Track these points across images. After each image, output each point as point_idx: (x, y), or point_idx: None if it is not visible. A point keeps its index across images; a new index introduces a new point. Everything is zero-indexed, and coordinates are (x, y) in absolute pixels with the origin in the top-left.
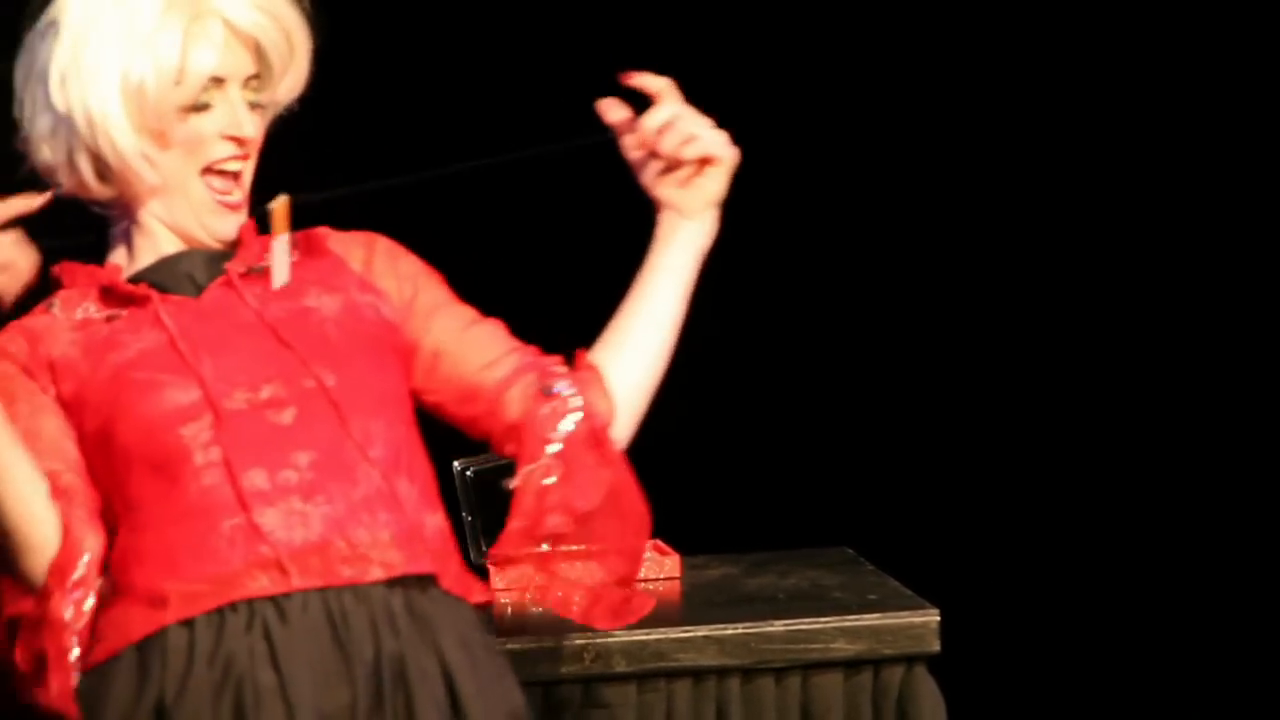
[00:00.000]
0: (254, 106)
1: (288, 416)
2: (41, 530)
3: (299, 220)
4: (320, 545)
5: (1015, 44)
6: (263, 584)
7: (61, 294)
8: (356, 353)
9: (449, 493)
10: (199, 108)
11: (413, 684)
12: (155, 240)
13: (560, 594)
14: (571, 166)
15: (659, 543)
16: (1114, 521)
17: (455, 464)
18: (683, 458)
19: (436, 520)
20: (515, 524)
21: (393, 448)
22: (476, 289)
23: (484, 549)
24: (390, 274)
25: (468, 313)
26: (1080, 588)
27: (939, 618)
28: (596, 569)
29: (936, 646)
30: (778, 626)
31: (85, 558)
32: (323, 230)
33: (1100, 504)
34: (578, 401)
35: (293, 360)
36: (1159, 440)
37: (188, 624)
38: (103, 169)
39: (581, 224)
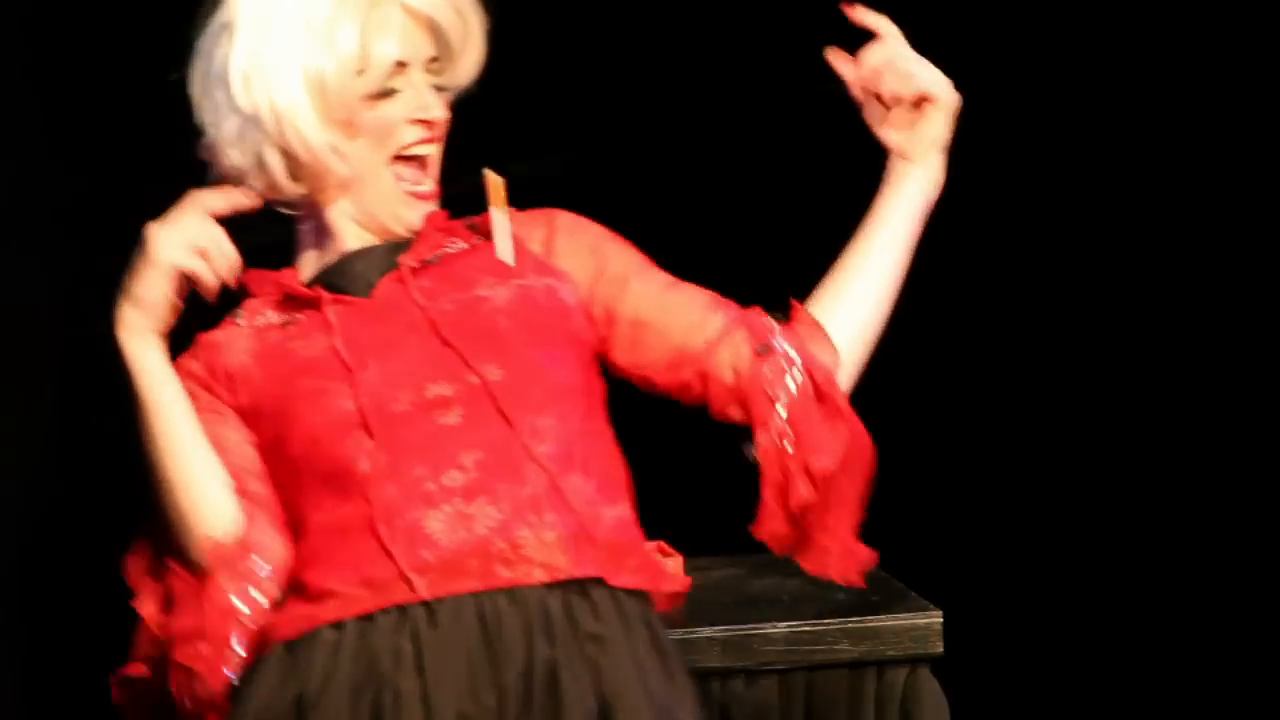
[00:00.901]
0: (436, 89)
1: (454, 417)
2: (216, 516)
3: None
4: (481, 547)
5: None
6: (419, 587)
7: (247, 303)
8: (527, 344)
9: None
10: (384, 94)
11: (564, 693)
12: (340, 239)
13: (818, 557)
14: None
15: (662, 544)
16: (1117, 522)
17: None
18: (686, 458)
19: (615, 513)
20: (767, 494)
21: (564, 443)
22: (701, 250)
23: None
24: (572, 252)
25: (663, 276)
26: (1084, 589)
27: (942, 619)
28: (841, 525)
29: (940, 648)
30: (781, 628)
31: (259, 557)
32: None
33: (1103, 505)
34: (798, 357)
35: (456, 358)
36: (1160, 439)
37: (338, 625)
38: (293, 166)
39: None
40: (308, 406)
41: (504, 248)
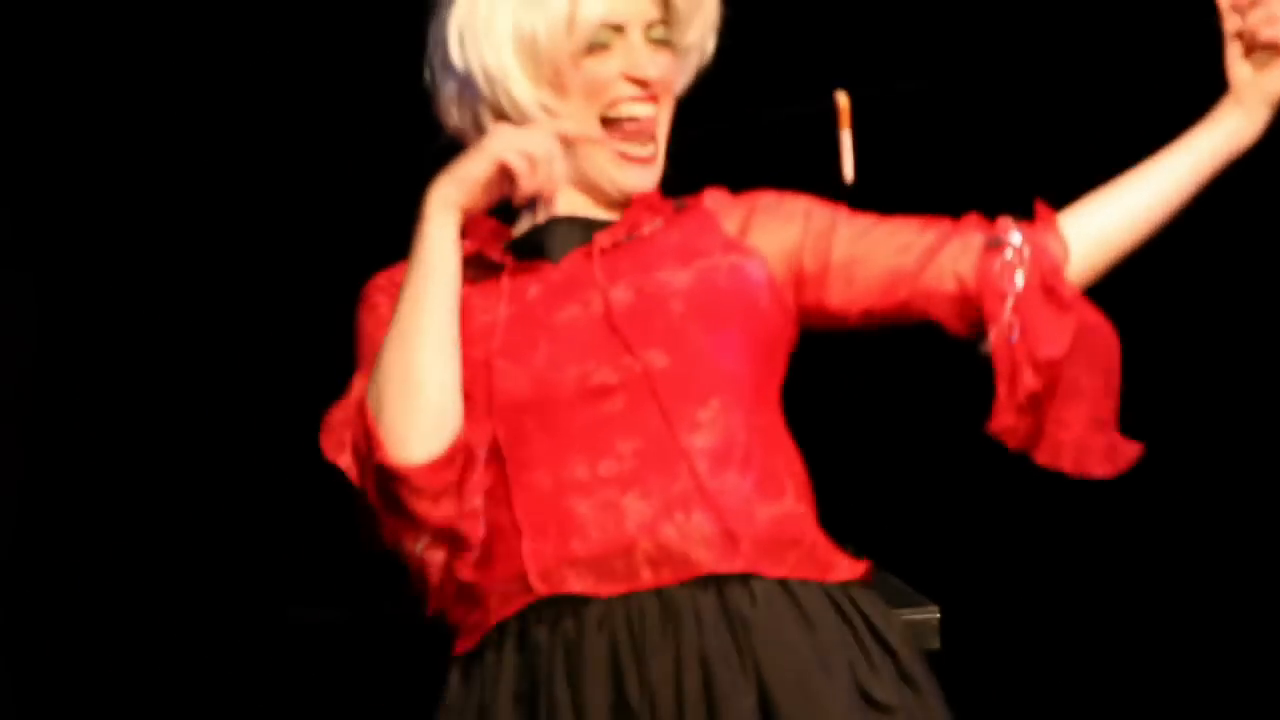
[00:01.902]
0: (660, 46)
1: (615, 404)
2: (455, 415)
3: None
4: (627, 545)
5: None
6: (570, 585)
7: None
8: (698, 331)
9: None
10: (595, 49)
11: (718, 693)
12: (553, 202)
13: (1050, 450)
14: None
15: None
16: (1115, 519)
17: None
18: None
19: (773, 511)
20: (1000, 390)
21: (725, 436)
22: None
23: None
24: (767, 226)
25: (870, 217)
26: (1081, 585)
27: (939, 615)
28: (1078, 416)
29: (936, 644)
30: None
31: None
32: (711, 191)
33: (1101, 501)
34: (1027, 251)
35: (624, 343)
36: (1159, 438)
37: (500, 628)
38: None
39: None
40: (473, 377)
41: (849, 170)
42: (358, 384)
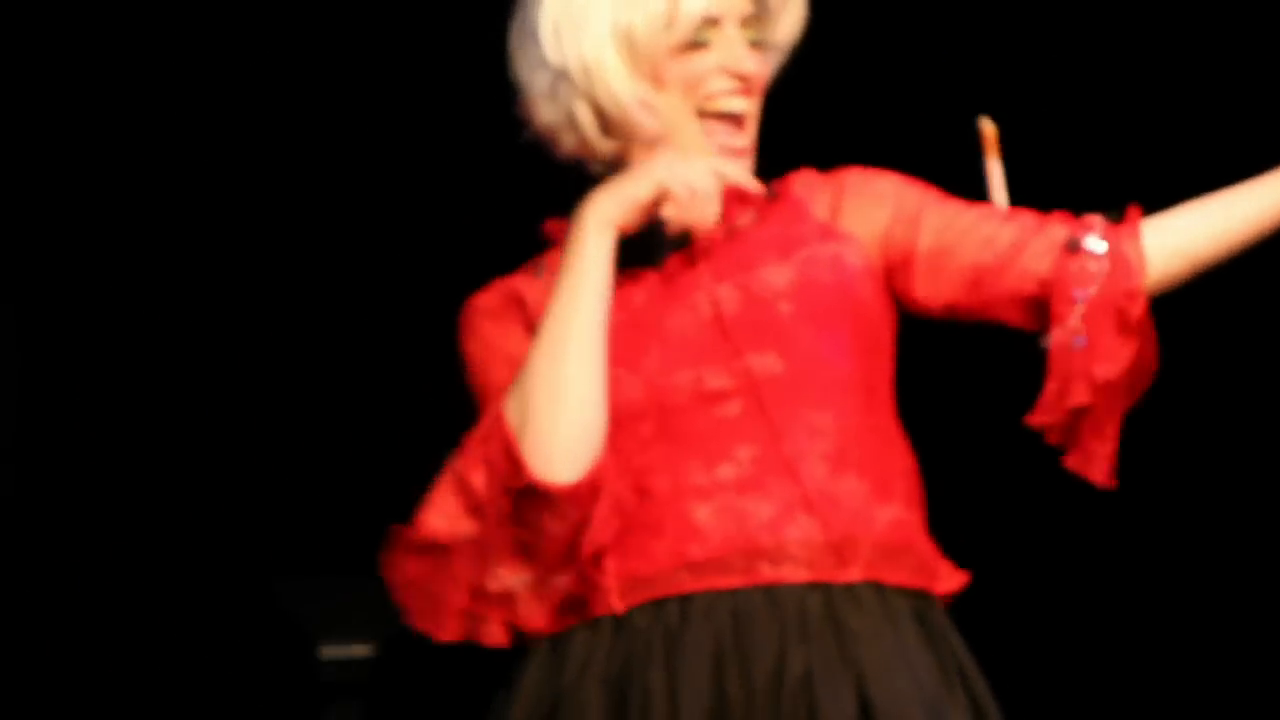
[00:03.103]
0: (754, 45)
1: (732, 409)
2: (601, 434)
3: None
4: (748, 544)
5: None
6: (681, 581)
7: (550, 254)
8: (809, 332)
9: None
10: (694, 46)
11: (818, 698)
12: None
13: (1081, 458)
14: None
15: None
16: (1110, 518)
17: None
18: None
19: (890, 514)
20: (1049, 388)
21: (840, 440)
22: None
23: None
24: (859, 208)
25: (958, 204)
26: (1076, 583)
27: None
28: (1115, 432)
29: None
30: None
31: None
32: (798, 174)
33: (1096, 500)
34: (1106, 261)
35: (737, 347)
36: (1155, 437)
37: (596, 620)
38: (603, 121)
39: None
40: None
41: (1000, 198)
42: (491, 408)
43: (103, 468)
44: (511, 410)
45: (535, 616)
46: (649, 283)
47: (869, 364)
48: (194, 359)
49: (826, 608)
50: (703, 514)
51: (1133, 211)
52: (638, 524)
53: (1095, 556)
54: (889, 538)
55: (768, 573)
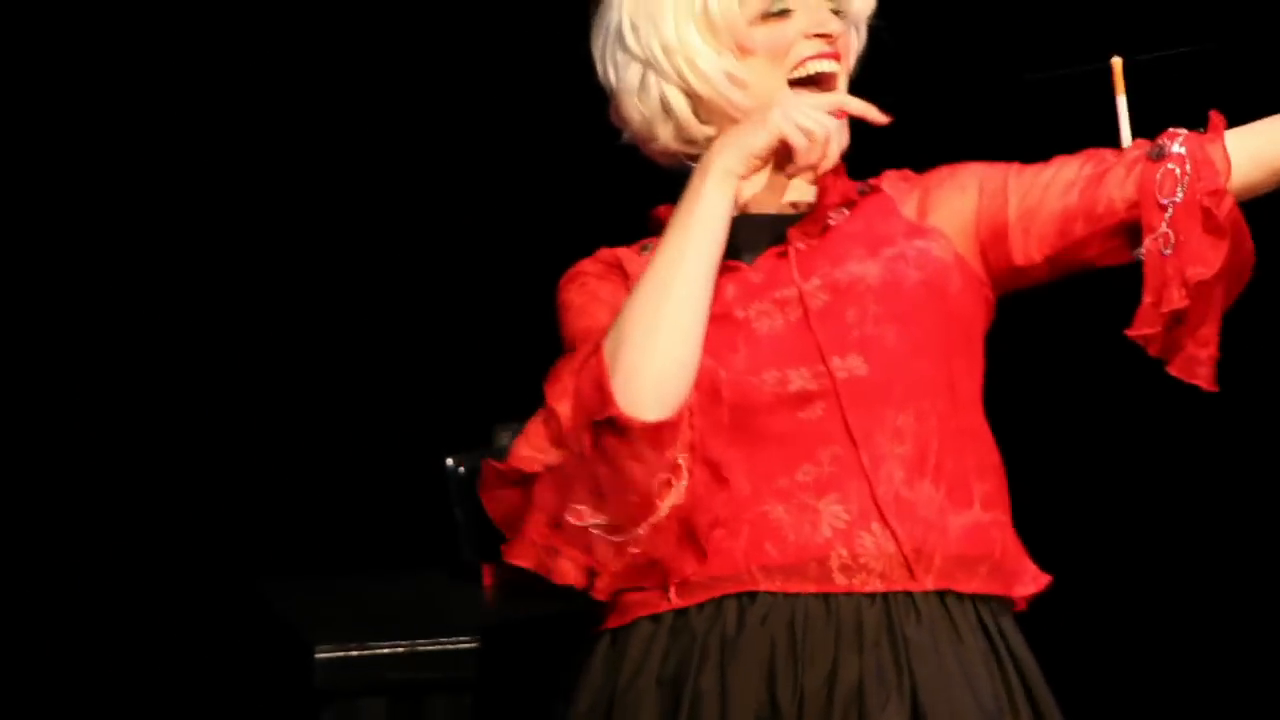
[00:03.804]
0: (834, 12)
1: (815, 411)
2: (692, 375)
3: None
4: (822, 550)
5: None
6: (753, 582)
7: (655, 239)
8: (896, 334)
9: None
10: (777, 15)
11: (869, 709)
12: (740, 192)
13: (1185, 364)
14: None
15: None
16: (1108, 515)
17: (448, 461)
18: None
19: (965, 520)
20: (1146, 299)
21: (920, 444)
22: None
23: (476, 547)
24: (944, 201)
25: (1038, 167)
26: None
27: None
28: (1214, 334)
29: None
30: None
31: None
32: (888, 174)
33: (1094, 497)
34: (1190, 166)
35: (823, 347)
36: (1153, 435)
37: (656, 617)
38: (697, 104)
39: None
40: None
41: (1126, 137)
42: (582, 348)
43: (88, 469)
44: (609, 343)
45: (610, 561)
46: (742, 278)
47: (955, 363)
48: (178, 361)
49: (885, 618)
50: (780, 514)
51: (1215, 118)
52: (715, 523)
53: (1181, 566)
54: (963, 545)
55: (840, 582)
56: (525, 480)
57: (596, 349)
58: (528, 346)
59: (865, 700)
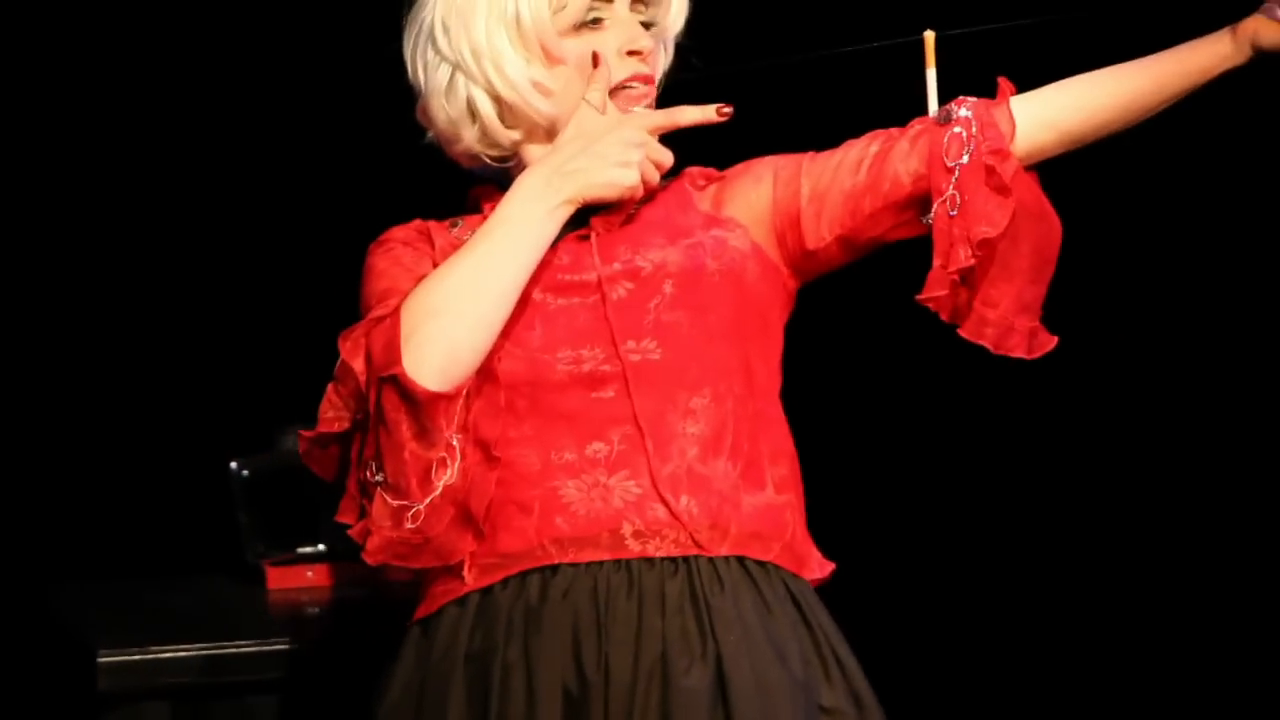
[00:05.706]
0: (645, 27)
1: (608, 392)
2: (478, 361)
3: None
4: (614, 520)
5: None
6: (546, 556)
7: (469, 217)
8: (692, 320)
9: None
10: (590, 24)
11: (673, 673)
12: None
13: (975, 325)
14: None
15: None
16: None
17: (232, 464)
18: None
19: (758, 500)
20: (936, 262)
21: (716, 424)
22: None
23: (260, 550)
24: (738, 193)
25: (837, 150)
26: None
27: None
28: (1005, 296)
29: None
30: None
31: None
32: (689, 169)
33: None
34: (975, 128)
35: (618, 330)
36: (1148, 434)
37: (462, 600)
38: (503, 110)
39: None
40: None
41: (934, 109)
42: (377, 310)
43: None
44: (409, 310)
45: (385, 524)
46: (544, 260)
47: (750, 349)
48: None
49: (688, 585)
50: (571, 490)
51: (1004, 84)
52: (507, 500)
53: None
54: (757, 523)
55: (634, 548)
56: (340, 439)
57: (395, 312)
58: (311, 350)
59: (669, 666)
